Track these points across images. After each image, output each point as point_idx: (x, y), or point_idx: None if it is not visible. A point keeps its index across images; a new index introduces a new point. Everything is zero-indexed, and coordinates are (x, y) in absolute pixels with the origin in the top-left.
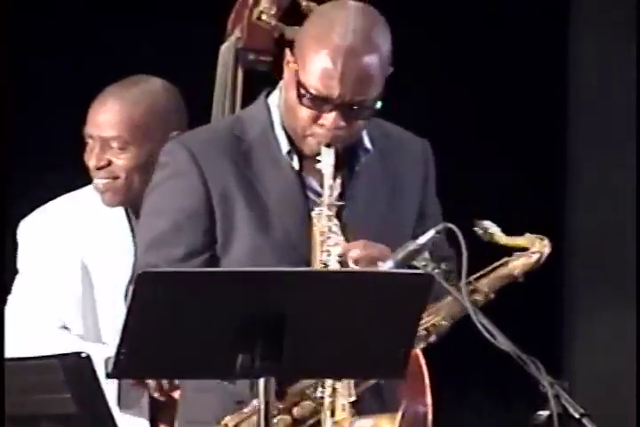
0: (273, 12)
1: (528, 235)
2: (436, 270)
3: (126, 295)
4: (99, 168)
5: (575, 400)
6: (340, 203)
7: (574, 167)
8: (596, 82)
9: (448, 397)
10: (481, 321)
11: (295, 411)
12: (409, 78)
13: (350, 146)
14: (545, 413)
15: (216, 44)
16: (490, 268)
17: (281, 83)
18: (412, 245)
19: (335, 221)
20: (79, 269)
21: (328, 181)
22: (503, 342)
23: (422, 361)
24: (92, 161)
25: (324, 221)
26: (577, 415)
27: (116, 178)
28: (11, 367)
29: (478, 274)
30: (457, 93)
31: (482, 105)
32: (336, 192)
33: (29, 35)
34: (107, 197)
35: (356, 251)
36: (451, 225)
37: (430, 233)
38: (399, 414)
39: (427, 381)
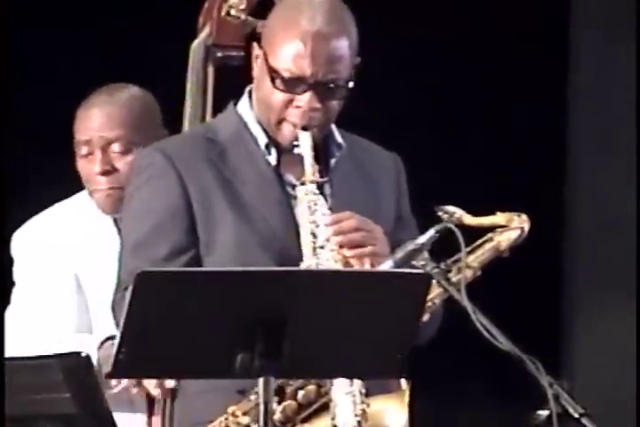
0: (243, 7)
1: (500, 213)
2: (435, 270)
3: (113, 307)
4: (103, 173)
5: (575, 400)
6: (323, 179)
7: (574, 167)
8: (596, 82)
9: (447, 396)
10: (480, 321)
11: (300, 396)
12: (408, 78)
13: (322, 142)
14: (544, 412)
15: (185, 42)
16: (476, 244)
17: (247, 88)
18: (410, 245)
19: (319, 195)
20: (72, 281)
21: (308, 159)
22: (503, 342)
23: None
24: (95, 167)
25: (308, 195)
26: (576, 415)
27: (120, 188)
28: (10, 367)
29: (466, 250)
30: (456, 92)
31: (481, 105)
32: (317, 173)
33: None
34: (108, 205)
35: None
36: (450, 225)
37: (430, 233)
38: (407, 392)
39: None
